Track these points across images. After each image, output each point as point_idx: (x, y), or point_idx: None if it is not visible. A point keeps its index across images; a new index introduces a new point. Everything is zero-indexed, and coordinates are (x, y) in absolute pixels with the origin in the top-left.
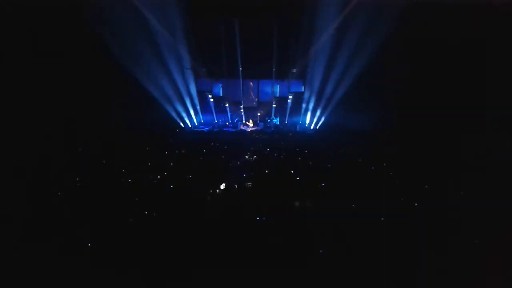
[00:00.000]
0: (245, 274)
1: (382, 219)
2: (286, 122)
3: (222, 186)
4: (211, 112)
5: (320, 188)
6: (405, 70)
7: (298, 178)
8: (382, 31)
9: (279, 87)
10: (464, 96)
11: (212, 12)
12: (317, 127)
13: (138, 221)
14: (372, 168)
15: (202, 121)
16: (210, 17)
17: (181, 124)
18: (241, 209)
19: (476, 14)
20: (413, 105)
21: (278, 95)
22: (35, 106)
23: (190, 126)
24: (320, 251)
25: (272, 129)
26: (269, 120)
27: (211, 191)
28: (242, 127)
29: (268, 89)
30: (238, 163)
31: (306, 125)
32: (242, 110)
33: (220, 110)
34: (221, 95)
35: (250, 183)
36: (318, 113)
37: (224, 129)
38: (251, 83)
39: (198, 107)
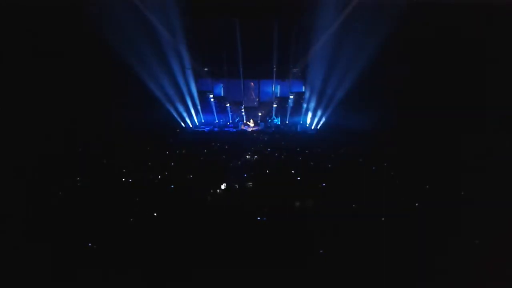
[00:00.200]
0: (245, 274)
1: (383, 219)
2: (287, 122)
3: (223, 186)
4: (212, 112)
5: (321, 188)
6: (405, 70)
7: (298, 178)
8: (382, 31)
9: (280, 87)
10: (464, 96)
11: (212, 12)
12: (318, 127)
13: (138, 221)
14: (373, 168)
15: (203, 121)
16: (210, 17)
17: (182, 124)
18: (242, 209)
19: (476, 14)
20: (413, 105)
21: (278, 95)
22: (35, 106)
23: (190, 126)
24: (320, 251)
25: (273, 129)
26: (270, 120)
27: (211, 191)
28: (243, 127)
29: (268, 89)
30: (239, 163)
31: (307, 125)
32: (243, 110)
33: (221, 110)
34: (222, 95)
35: (250, 183)
36: (318, 113)
37: (225, 129)
38: (251, 83)
39: (198, 107)
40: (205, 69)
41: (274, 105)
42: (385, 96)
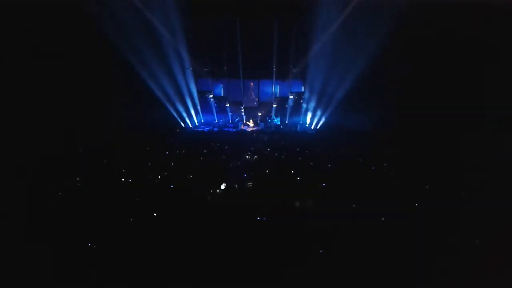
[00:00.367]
0: (245, 274)
1: (383, 219)
2: (286, 122)
3: (223, 186)
4: (212, 112)
5: (321, 188)
6: (405, 70)
7: (298, 178)
8: (382, 31)
9: (280, 87)
10: (464, 96)
11: (212, 12)
12: (318, 127)
13: (138, 221)
14: (373, 168)
15: (202, 121)
16: (210, 17)
17: (182, 124)
18: (242, 209)
19: (476, 14)
20: (413, 105)
21: (278, 95)
22: (35, 106)
23: (190, 126)
24: (320, 251)
25: (273, 129)
26: (269, 120)
27: (211, 191)
28: (242, 127)
29: (268, 89)
30: (239, 163)
31: (307, 125)
32: (242, 110)
33: (221, 110)
34: (221, 95)
35: (250, 183)
36: (318, 113)
37: (225, 129)
38: (251, 83)
39: (198, 107)
40: (205, 69)
41: (274, 105)
42: (385, 96)
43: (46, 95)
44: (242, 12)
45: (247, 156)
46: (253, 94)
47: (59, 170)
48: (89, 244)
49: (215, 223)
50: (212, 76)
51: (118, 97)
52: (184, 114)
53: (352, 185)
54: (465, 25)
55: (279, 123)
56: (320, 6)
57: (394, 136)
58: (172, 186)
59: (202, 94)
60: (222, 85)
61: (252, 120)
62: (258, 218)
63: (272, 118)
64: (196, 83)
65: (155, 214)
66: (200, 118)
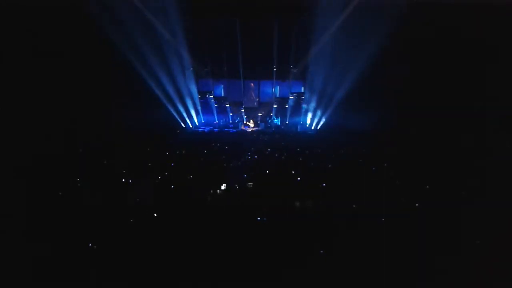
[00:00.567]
0: (245, 274)
1: (383, 219)
2: (287, 122)
3: (223, 187)
4: (212, 113)
5: (321, 188)
6: (405, 70)
7: (298, 179)
8: (382, 31)
9: (280, 88)
10: (464, 96)
11: (212, 12)
12: (318, 128)
13: (138, 222)
14: (373, 168)
15: (203, 121)
16: (210, 17)
17: (182, 124)
18: (242, 210)
19: (476, 14)
20: (413, 105)
21: (278, 96)
22: (35, 106)
23: (191, 126)
24: (321, 251)
25: (273, 129)
26: (270, 121)
27: (211, 192)
28: (243, 127)
29: (268, 89)
30: (239, 163)
31: (307, 126)
32: (243, 110)
33: (221, 110)
34: (222, 95)
35: (251, 183)
36: (318, 114)
37: (225, 129)
38: (251, 84)
39: (199, 108)
40: (205, 69)
41: (274, 106)
42: (385, 96)
43: (46, 95)
44: (242, 12)
45: (248, 157)
46: (253, 95)
47: (59, 170)
48: (89, 245)
49: (215, 223)
50: (213, 77)
51: (118, 97)
52: (184, 115)
53: (352, 185)
54: (465, 25)
55: (279, 123)
56: (320, 6)
57: (394, 136)
58: (172, 187)
59: (203, 95)
60: (222, 86)
61: (253, 121)
62: (258, 218)
63: (272, 118)
64: (197, 83)
65: (155, 215)
66: (201, 119)
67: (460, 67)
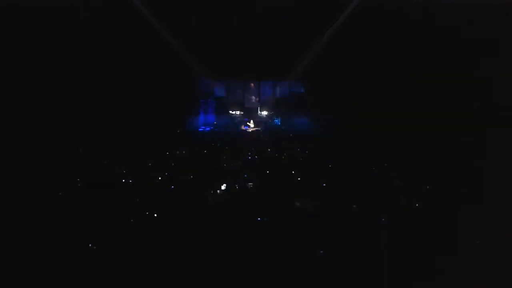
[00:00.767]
0: (245, 274)
1: (383, 219)
2: (287, 122)
3: (223, 187)
4: (212, 113)
5: (321, 188)
6: (405, 71)
7: (299, 179)
8: (382, 31)
9: (280, 88)
10: (464, 96)
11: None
12: (318, 128)
13: (139, 222)
14: (373, 168)
15: (203, 121)
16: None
17: (182, 124)
18: (242, 210)
19: (476, 14)
20: (413, 105)
21: (279, 96)
22: (35, 106)
23: (191, 126)
24: (321, 251)
25: (273, 129)
26: (270, 121)
27: (212, 192)
28: (243, 127)
29: (269, 89)
30: (239, 163)
31: (307, 126)
32: (243, 110)
33: (222, 110)
34: (222, 95)
35: (251, 183)
36: (319, 114)
37: (225, 129)
38: (252, 84)
39: (199, 108)
40: (205, 69)
41: (275, 106)
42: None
43: (46, 95)
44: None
45: (248, 157)
46: (253, 95)
47: (59, 170)
48: (90, 245)
49: (216, 223)
50: (213, 77)
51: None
52: (184, 115)
53: (352, 185)
54: (465, 25)
55: (279, 123)
56: (320, 6)
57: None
58: (172, 187)
59: (203, 95)
60: (222, 86)
61: (253, 121)
62: (259, 218)
63: (272, 119)
64: (197, 83)
65: (155, 215)
66: (201, 119)
67: (460, 67)
